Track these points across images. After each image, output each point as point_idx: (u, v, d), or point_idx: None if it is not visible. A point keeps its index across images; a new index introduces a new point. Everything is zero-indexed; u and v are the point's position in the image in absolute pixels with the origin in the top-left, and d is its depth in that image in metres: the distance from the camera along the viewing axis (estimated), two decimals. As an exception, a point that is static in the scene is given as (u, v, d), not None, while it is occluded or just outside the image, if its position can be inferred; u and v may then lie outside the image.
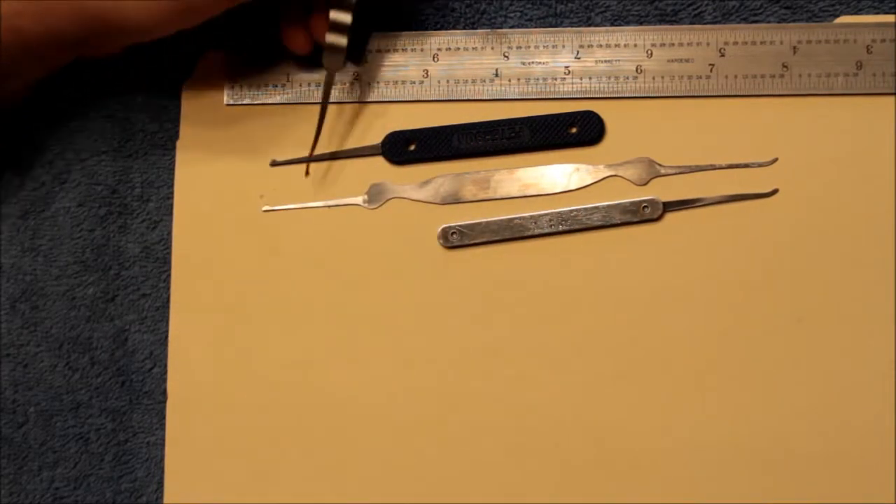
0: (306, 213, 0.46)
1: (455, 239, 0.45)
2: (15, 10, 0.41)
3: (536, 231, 0.45)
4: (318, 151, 0.46)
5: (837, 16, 0.45)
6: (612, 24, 0.46)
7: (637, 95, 0.45)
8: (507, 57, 0.46)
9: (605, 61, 0.45)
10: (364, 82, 0.46)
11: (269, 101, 0.47)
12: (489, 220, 0.45)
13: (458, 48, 0.46)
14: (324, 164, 0.46)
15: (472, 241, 0.45)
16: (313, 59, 0.46)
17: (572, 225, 0.45)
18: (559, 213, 0.45)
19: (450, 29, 0.47)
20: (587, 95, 0.45)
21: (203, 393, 0.45)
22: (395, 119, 0.46)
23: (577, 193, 0.45)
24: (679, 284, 0.44)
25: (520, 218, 0.45)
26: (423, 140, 0.46)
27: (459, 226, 0.45)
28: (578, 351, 0.44)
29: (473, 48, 0.46)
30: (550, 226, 0.45)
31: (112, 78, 0.48)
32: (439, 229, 0.45)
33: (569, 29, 0.46)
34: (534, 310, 0.44)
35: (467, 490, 0.44)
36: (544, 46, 0.46)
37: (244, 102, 0.47)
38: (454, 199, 0.46)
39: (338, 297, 0.45)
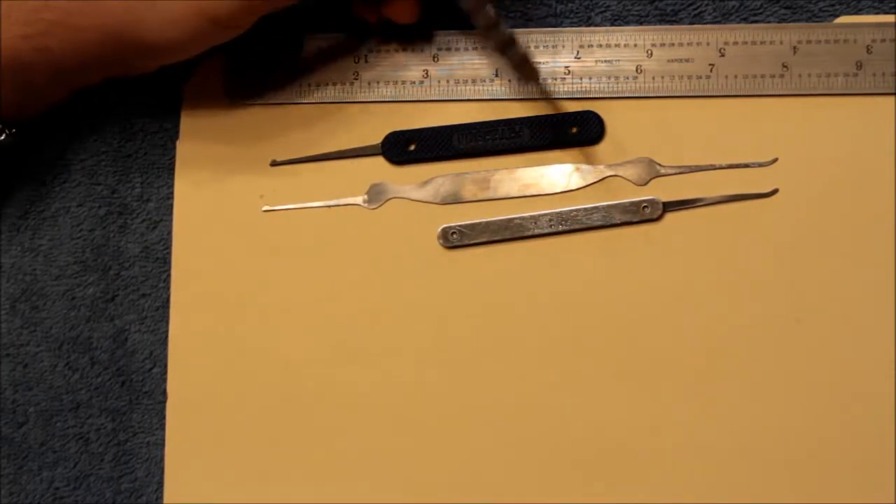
0: (306, 213, 0.46)
1: (455, 239, 0.45)
2: (42, 29, 0.41)
3: (536, 231, 0.45)
4: (317, 151, 0.46)
5: (837, 16, 0.45)
6: (612, 24, 0.46)
7: (637, 95, 0.45)
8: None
9: (605, 61, 0.45)
10: (364, 82, 0.46)
11: (269, 101, 0.47)
12: (489, 220, 0.45)
13: (458, 48, 0.46)
14: (324, 164, 0.46)
15: (472, 241, 0.45)
16: (312, 58, 0.46)
17: (572, 225, 0.45)
18: (559, 213, 0.45)
19: (450, 29, 0.47)
20: (587, 95, 0.45)
21: (203, 393, 0.45)
22: (395, 119, 0.46)
23: (577, 193, 0.45)
24: (679, 284, 0.44)
25: (520, 218, 0.45)
26: (423, 140, 0.46)
27: (459, 226, 0.45)
28: (578, 351, 0.44)
29: (473, 48, 0.46)
30: (550, 226, 0.45)
31: (112, 78, 0.48)
32: (439, 229, 0.45)
33: (569, 29, 0.46)
34: (534, 310, 0.44)
35: (467, 490, 0.44)
36: (544, 46, 0.46)
37: (244, 102, 0.47)
38: (454, 199, 0.46)
39: (338, 297, 0.45)
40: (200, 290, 0.46)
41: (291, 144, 0.47)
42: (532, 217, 0.45)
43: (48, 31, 0.41)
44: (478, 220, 0.45)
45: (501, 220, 0.45)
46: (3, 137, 0.45)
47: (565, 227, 0.45)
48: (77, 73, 0.43)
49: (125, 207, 0.48)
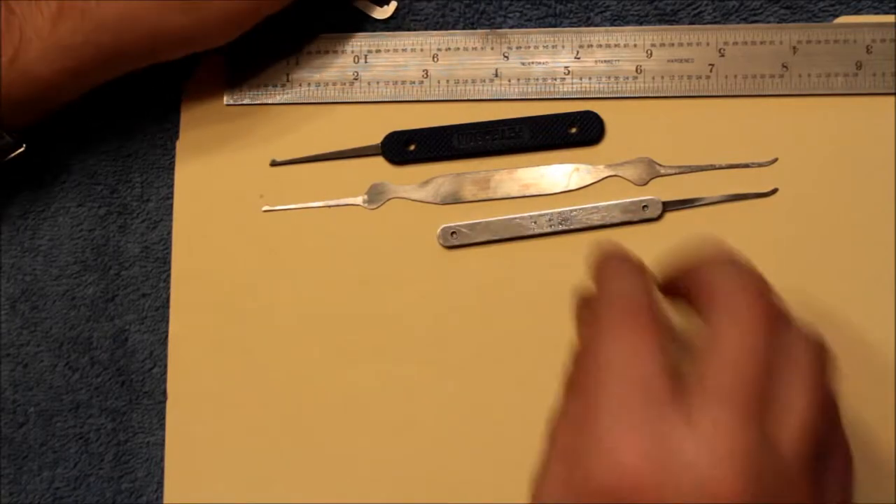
0: (306, 213, 0.46)
1: (455, 239, 0.45)
2: (96, 23, 0.41)
3: (536, 231, 0.45)
4: (317, 151, 0.46)
5: (837, 16, 0.45)
6: (612, 24, 0.46)
7: (637, 95, 0.45)
8: (507, 57, 0.46)
9: (605, 61, 0.45)
10: (364, 82, 0.46)
11: (269, 101, 0.47)
12: (489, 220, 0.45)
13: (458, 48, 0.46)
14: (324, 164, 0.46)
15: (472, 241, 0.45)
16: (312, 58, 0.47)
17: (572, 225, 0.45)
18: (559, 213, 0.45)
19: (450, 29, 0.47)
20: (587, 95, 0.45)
21: (203, 393, 0.45)
22: (395, 119, 0.46)
23: (577, 193, 0.45)
24: (679, 284, 0.44)
25: (520, 218, 0.45)
26: (423, 140, 0.46)
27: (459, 226, 0.45)
28: (578, 351, 0.44)
29: (473, 48, 0.46)
30: (550, 226, 0.45)
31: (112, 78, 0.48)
32: (439, 229, 0.45)
33: (568, 29, 0.46)
34: (533, 310, 0.44)
35: (467, 490, 0.44)
36: (544, 46, 0.46)
37: (244, 102, 0.47)
38: (454, 199, 0.46)
39: (338, 297, 0.45)
40: (200, 290, 0.46)
41: (291, 144, 0.47)
42: (532, 217, 0.45)
43: (103, 26, 0.41)
44: (478, 220, 0.45)
45: (501, 220, 0.45)
46: (21, 149, 0.45)
47: (565, 227, 0.45)
48: (119, 66, 0.44)
49: (125, 207, 0.48)
